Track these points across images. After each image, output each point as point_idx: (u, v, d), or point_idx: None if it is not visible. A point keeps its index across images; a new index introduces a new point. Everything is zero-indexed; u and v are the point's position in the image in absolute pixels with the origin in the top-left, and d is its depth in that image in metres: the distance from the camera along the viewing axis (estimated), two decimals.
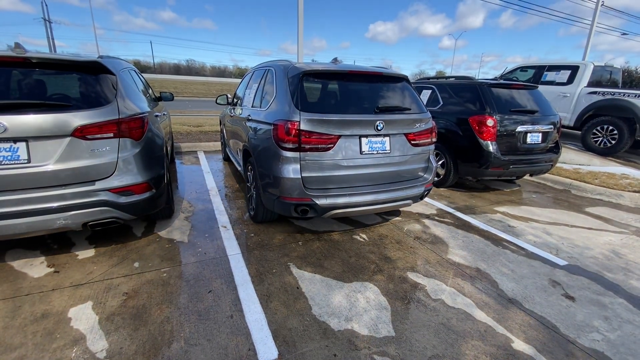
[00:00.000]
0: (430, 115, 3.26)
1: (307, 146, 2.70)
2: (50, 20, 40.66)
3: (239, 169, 4.30)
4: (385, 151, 2.97)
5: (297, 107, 2.70)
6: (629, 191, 4.96)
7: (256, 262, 2.80)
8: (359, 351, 1.92)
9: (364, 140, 2.86)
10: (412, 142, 3.11)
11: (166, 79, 43.09)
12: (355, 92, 3.06)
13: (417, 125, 3.11)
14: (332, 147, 2.75)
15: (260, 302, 2.30)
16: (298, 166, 2.73)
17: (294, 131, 2.66)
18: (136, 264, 2.69)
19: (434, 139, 3.33)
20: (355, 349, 1.93)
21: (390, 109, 3.03)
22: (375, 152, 2.92)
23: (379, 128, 2.85)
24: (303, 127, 2.65)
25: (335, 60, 3.51)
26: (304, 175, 2.75)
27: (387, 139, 2.97)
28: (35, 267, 2.60)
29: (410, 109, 3.14)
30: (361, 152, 2.86)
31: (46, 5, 40.29)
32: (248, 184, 3.70)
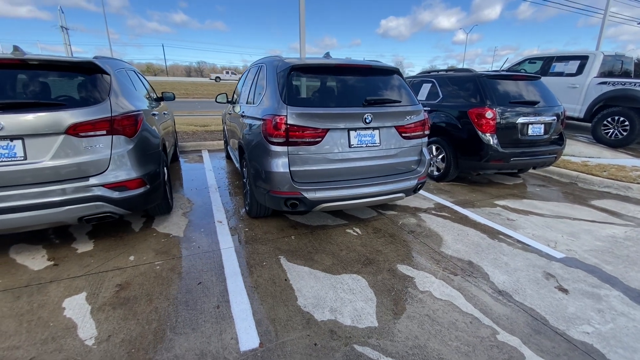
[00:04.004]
0: (422, 108, 3.24)
1: (296, 140, 2.72)
2: (67, 27, 41.77)
3: (237, 165, 4.37)
4: (374, 144, 2.96)
5: (284, 101, 2.73)
6: (638, 183, 4.79)
7: (247, 255, 2.84)
8: (340, 340, 1.93)
9: (352, 133, 2.86)
10: (403, 134, 3.10)
11: (178, 81, 43.86)
12: (344, 86, 3.06)
13: (408, 117, 3.09)
14: (320, 140, 2.77)
15: (248, 294, 2.34)
16: (287, 160, 2.76)
17: (282, 126, 2.69)
18: (131, 257, 2.77)
19: (427, 132, 3.30)
20: (337, 339, 1.95)
21: (379, 101, 3.02)
22: (364, 145, 2.92)
23: (367, 121, 2.85)
24: (291, 121, 2.68)
25: (327, 55, 3.52)
26: (292, 169, 2.77)
27: (376, 132, 2.97)
28: (37, 261, 2.71)
29: (400, 101, 3.12)
30: (350, 146, 2.87)
31: (62, 12, 41.43)
32: (244, 180, 3.76)
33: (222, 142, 7.23)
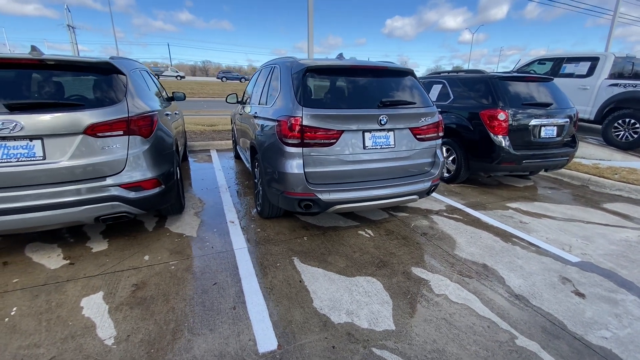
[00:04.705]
0: (436, 109, 3.22)
1: (310, 141, 2.72)
2: (73, 26, 41.96)
3: (247, 165, 4.37)
4: (389, 146, 2.96)
5: (299, 103, 2.73)
6: None
7: (261, 256, 2.85)
8: (358, 344, 1.93)
9: (367, 135, 2.86)
10: (418, 136, 3.09)
11: (183, 81, 44.01)
12: (359, 87, 3.06)
13: (423, 119, 3.08)
14: (335, 142, 2.76)
15: (263, 295, 2.34)
16: (301, 161, 2.76)
17: (297, 127, 2.69)
18: (146, 257, 2.78)
19: (441, 133, 3.29)
20: (355, 342, 1.95)
21: (394, 103, 3.01)
22: (379, 147, 2.91)
23: (382, 122, 2.84)
24: (306, 122, 2.68)
25: (340, 56, 3.51)
26: (307, 170, 2.77)
27: (391, 133, 2.96)
28: (53, 259, 2.73)
29: (415, 103, 3.11)
30: (364, 147, 2.86)
31: (69, 11, 41.60)
32: (255, 181, 3.76)
33: (230, 141, 7.25)
